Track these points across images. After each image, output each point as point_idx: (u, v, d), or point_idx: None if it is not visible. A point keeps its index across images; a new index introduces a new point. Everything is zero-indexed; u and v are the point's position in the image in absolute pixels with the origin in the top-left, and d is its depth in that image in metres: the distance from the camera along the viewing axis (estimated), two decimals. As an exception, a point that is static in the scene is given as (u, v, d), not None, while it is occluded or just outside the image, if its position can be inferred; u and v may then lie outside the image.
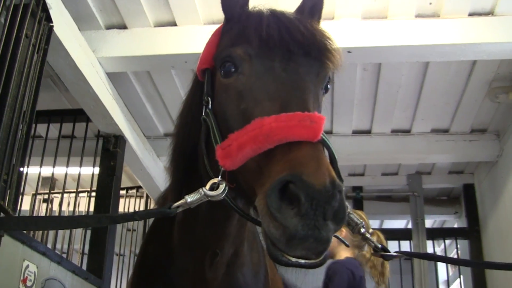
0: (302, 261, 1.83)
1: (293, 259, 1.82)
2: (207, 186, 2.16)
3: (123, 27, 6.80)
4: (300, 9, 2.72)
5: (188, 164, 2.75)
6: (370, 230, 5.17)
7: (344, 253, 5.23)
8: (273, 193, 1.76)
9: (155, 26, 6.77)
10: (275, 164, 1.88)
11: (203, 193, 2.16)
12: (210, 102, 2.42)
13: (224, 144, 2.14)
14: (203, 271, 2.86)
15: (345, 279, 4.99)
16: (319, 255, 1.84)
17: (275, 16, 2.40)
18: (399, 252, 2.61)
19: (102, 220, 2.53)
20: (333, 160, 2.09)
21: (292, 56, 2.29)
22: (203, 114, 2.45)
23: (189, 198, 2.18)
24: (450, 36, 6.30)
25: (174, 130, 2.96)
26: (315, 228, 1.73)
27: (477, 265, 6.96)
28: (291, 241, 1.74)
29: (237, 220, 2.78)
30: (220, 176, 2.16)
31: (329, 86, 2.53)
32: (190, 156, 2.72)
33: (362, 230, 2.37)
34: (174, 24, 6.72)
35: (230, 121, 2.24)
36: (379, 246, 2.53)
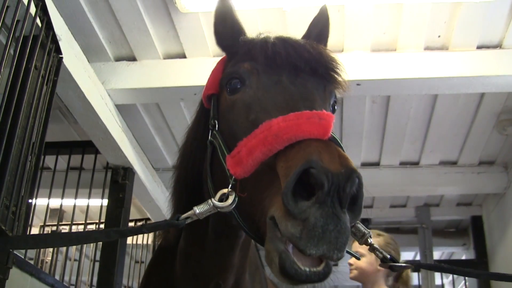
0: (313, 269, 1.72)
1: (303, 268, 1.70)
2: (216, 197, 2.09)
3: (133, 59, 6.83)
4: (306, 36, 2.75)
5: (191, 195, 2.75)
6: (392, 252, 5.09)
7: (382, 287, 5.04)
8: (288, 191, 1.68)
9: (164, 58, 6.80)
10: (289, 160, 1.80)
11: (211, 204, 2.09)
12: (216, 124, 2.42)
13: (234, 152, 2.07)
14: None
15: None
16: (340, 251, 1.69)
17: (281, 38, 2.43)
18: (408, 262, 2.58)
19: (111, 234, 2.47)
20: None
21: (299, 72, 2.28)
22: (210, 137, 2.45)
23: (198, 209, 2.12)
24: (459, 68, 6.31)
25: (177, 161, 2.96)
26: (334, 216, 1.66)
27: (487, 277, 6.88)
28: (312, 232, 1.65)
29: (240, 250, 2.77)
30: (230, 187, 2.08)
31: (336, 107, 2.50)
32: (194, 186, 2.73)
33: (370, 240, 2.27)
34: (183, 56, 6.74)
35: (238, 134, 2.17)
36: (388, 256, 2.45)
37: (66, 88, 5.90)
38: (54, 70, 4.95)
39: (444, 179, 9.43)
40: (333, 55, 2.42)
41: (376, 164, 9.45)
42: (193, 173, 2.73)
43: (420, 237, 11.22)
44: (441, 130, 8.42)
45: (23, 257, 6.53)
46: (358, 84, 6.29)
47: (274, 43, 2.37)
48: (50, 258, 9.77)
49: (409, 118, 8.17)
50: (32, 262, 9.05)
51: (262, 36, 2.52)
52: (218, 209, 2.09)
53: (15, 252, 4.48)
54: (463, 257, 12.62)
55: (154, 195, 8.74)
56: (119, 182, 7.71)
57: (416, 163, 9.46)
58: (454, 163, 9.42)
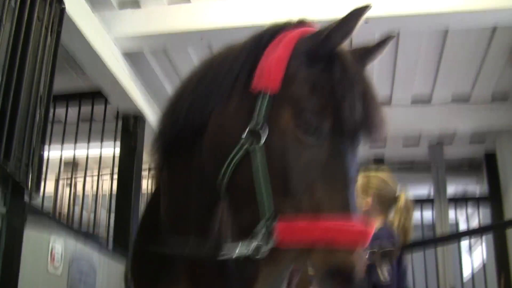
0: None
1: None
2: (252, 246, 2.10)
3: (137, 5, 6.75)
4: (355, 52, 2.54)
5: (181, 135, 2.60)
6: (397, 194, 5.10)
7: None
8: (329, 274, 1.97)
9: (169, 3, 6.72)
10: (328, 255, 2.00)
11: (249, 253, 2.11)
12: (263, 138, 2.21)
13: (291, 226, 2.06)
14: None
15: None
16: None
17: (366, 94, 2.28)
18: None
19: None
20: None
21: (358, 140, 2.27)
22: (246, 136, 2.24)
23: (237, 251, 2.15)
24: (469, 3, 6.20)
25: (181, 91, 2.71)
26: None
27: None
28: None
29: None
30: (267, 245, 2.09)
31: None
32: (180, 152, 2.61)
33: None
34: (187, 0, 6.67)
35: (291, 179, 2.12)
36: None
37: (71, 39, 5.86)
38: (57, 20, 4.90)
39: (456, 116, 9.39)
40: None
41: (388, 102, 9.38)
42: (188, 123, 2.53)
43: (434, 175, 11.22)
44: (452, 66, 8.32)
45: (39, 208, 6.58)
46: (366, 22, 6.19)
47: (360, 108, 2.19)
48: (66, 210, 9.84)
49: (420, 55, 8.07)
50: (49, 214, 9.14)
51: (348, 72, 2.26)
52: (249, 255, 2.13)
53: (31, 203, 4.51)
54: (477, 194, 12.63)
55: (166, 142, 8.72)
56: (130, 131, 7.72)
57: (427, 101, 9.39)
58: (466, 100, 9.33)
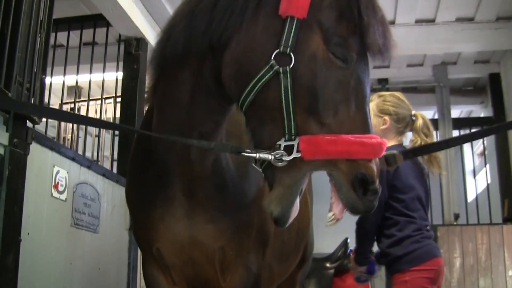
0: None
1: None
2: (275, 153, 2.27)
3: None
4: None
5: (185, 47, 2.65)
6: (413, 112, 5.08)
7: (389, 143, 5.06)
8: (358, 180, 2.23)
9: None
10: (354, 165, 2.25)
11: (271, 158, 2.29)
12: (293, 59, 2.31)
13: (312, 141, 2.25)
14: (189, 150, 2.92)
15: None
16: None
17: (381, 18, 2.47)
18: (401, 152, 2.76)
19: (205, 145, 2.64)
20: None
21: (372, 58, 2.48)
22: (274, 59, 2.32)
23: (258, 155, 2.33)
24: None
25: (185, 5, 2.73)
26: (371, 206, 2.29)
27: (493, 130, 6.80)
28: (363, 211, 2.29)
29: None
30: (290, 156, 2.27)
31: None
32: (195, 42, 2.60)
33: None
34: None
35: (318, 102, 2.30)
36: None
37: (71, -39, 5.80)
38: None
39: (461, 36, 9.33)
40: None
41: (392, 23, 9.30)
42: (200, 33, 2.56)
43: (438, 96, 11.23)
44: (456, -15, 8.25)
45: (43, 133, 6.61)
46: None
47: (379, 29, 2.41)
48: (70, 135, 9.88)
49: (423, -26, 8.00)
50: (54, 140, 9.19)
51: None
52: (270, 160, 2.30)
53: (34, 128, 4.52)
54: (481, 115, 12.63)
55: (169, 61, 8.70)
56: (133, 54, 7.70)
57: (432, 21, 9.32)
58: (471, 20, 9.26)
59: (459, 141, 4.38)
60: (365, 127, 2.31)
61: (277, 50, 2.32)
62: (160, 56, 2.82)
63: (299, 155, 2.23)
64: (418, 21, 9.33)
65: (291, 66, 2.30)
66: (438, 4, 8.80)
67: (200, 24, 2.56)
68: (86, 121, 4.96)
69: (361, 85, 2.37)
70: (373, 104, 4.94)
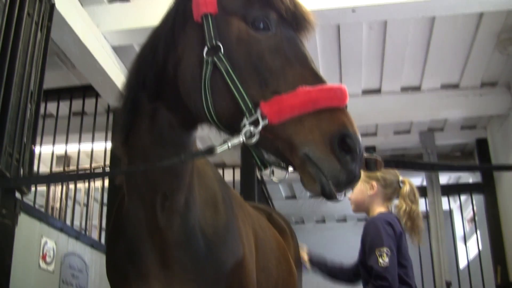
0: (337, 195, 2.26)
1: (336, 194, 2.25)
2: (243, 132, 2.34)
3: (126, -1, 6.78)
4: None
5: (136, 96, 2.87)
6: (400, 178, 5.10)
7: (378, 209, 5.09)
8: (338, 144, 2.18)
9: (157, -3, 6.75)
10: (324, 122, 2.24)
11: (242, 139, 2.34)
12: (222, 48, 2.49)
13: (273, 103, 2.31)
14: (156, 217, 2.91)
15: (383, 232, 4.82)
16: (348, 190, 2.32)
17: None
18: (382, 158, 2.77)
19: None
20: None
21: (299, 30, 2.62)
22: (205, 55, 2.50)
23: (230, 143, 2.37)
24: (455, -12, 6.24)
25: (133, 62, 3.02)
26: (359, 171, 2.26)
27: (481, 169, 6.80)
28: (351, 180, 2.23)
29: (188, 164, 2.91)
30: (258, 127, 2.32)
31: None
32: (144, 85, 2.84)
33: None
34: (176, -6, 6.68)
35: (263, 73, 2.42)
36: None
37: (61, 33, 5.88)
38: (47, 16, 4.92)
39: (446, 103, 9.42)
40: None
41: (377, 91, 9.45)
42: (148, 73, 2.83)
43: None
44: (441, 53, 8.38)
45: (31, 204, 6.59)
46: (353, 11, 6.24)
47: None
48: (59, 204, 9.86)
49: (407, 43, 8.13)
50: (42, 209, 9.15)
51: None
52: (245, 143, 2.38)
53: (23, 199, 4.52)
54: (470, 181, 12.68)
55: (157, 135, 8.73)
56: (121, 125, 7.72)
57: (417, 88, 9.44)
58: (456, 86, 9.39)
59: (444, 167, 4.40)
60: (317, 78, 2.38)
61: (205, 48, 2.50)
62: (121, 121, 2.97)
63: (267, 122, 2.29)
64: (404, 89, 9.45)
65: (222, 52, 2.47)
66: (423, 71, 8.92)
67: (140, 71, 2.88)
68: (74, 177, 4.94)
69: (295, 46, 2.51)
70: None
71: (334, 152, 2.18)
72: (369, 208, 5.06)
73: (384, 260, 4.51)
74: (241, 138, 2.33)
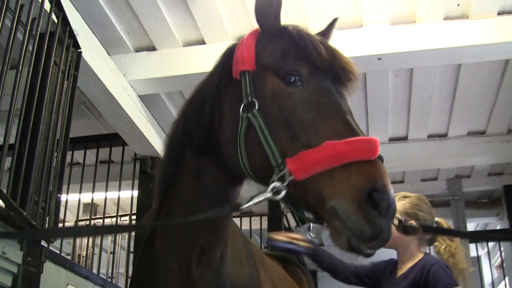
0: (369, 250, 2.20)
1: (365, 249, 2.19)
2: (270, 188, 2.32)
3: (152, 48, 6.85)
4: (322, 33, 2.95)
5: (182, 154, 2.93)
6: (436, 219, 4.99)
7: (416, 250, 4.93)
8: (365, 199, 2.10)
9: (184, 46, 6.81)
10: (353, 174, 2.18)
11: (269, 195, 2.32)
12: (257, 104, 2.51)
13: (297, 159, 2.29)
14: (190, 269, 2.91)
15: (450, 273, 4.70)
16: (380, 247, 2.22)
17: (322, 41, 2.63)
18: (418, 224, 2.72)
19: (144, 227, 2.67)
20: None
21: (338, 81, 2.58)
22: (242, 112, 2.54)
23: (256, 199, 2.36)
24: (480, 36, 6.23)
25: (177, 119, 3.10)
26: (389, 226, 2.15)
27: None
28: (376, 236, 2.12)
29: (226, 219, 2.93)
30: (284, 183, 2.30)
31: None
32: (190, 142, 2.89)
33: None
34: (202, 42, 6.75)
35: (294, 127, 2.41)
36: (403, 219, 2.75)
37: (88, 83, 5.94)
38: (74, 65, 4.99)
39: (473, 150, 9.36)
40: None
41: (404, 138, 9.41)
42: (194, 131, 2.87)
43: (453, 209, 11.15)
44: (467, 100, 8.35)
45: (58, 251, 6.60)
46: (379, 59, 6.25)
47: (322, 48, 2.57)
48: (85, 252, 9.87)
49: (434, 90, 8.11)
50: (68, 257, 9.16)
51: (301, 31, 2.67)
52: (271, 199, 2.35)
53: (49, 247, 4.53)
54: (498, 227, 12.53)
55: (183, 183, 8.74)
56: (148, 172, 7.76)
57: (444, 135, 9.39)
58: (482, 133, 9.33)
59: (483, 237, 4.31)
60: (350, 130, 2.33)
61: (242, 104, 2.55)
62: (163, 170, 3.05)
63: (292, 178, 2.27)
64: (430, 136, 9.41)
65: (256, 108, 2.49)
66: (450, 119, 8.88)
67: (190, 120, 2.93)
68: (100, 230, 4.94)
69: (329, 98, 2.47)
70: (399, 205, 4.84)
71: (360, 206, 2.11)
72: (405, 249, 4.91)
73: None
74: (267, 195, 2.32)
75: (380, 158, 2.30)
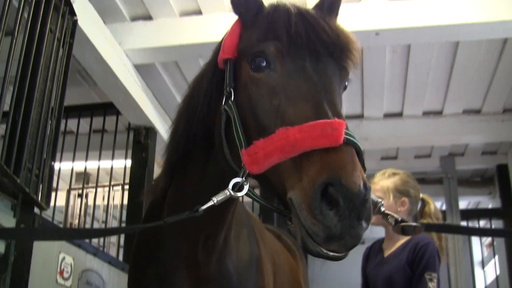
0: (331, 253, 1.95)
1: (325, 251, 1.93)
2: (230, 185, 2.24)
3: (149, 18, 6.79)
4: (319, 6, 2.70)
5: (188, 147, 2.84)
6: (421, 195, 4.96)
7: None
8: (316, 195, 1.87)
9: (180, 16, 6.76)
10: (311, 165, 1.96)
11: (228, 193, 2.24)
12: (233, 94, 2.43)
13: (251, 151, 2.19)
14: (196, 253, 2.93)
15: (437, 259, 4.70)
16: (349, 250, 1.97)
17: (301, 14, 2.42)
18: (420, 223, 2.62)
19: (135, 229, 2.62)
20: (359, 153, 2.09)
21: (319, 56, 2.33)
22: (223, 104, 2.46)
23: (216, 199, 2.26)
24: (480, 14, 6.19)
25: (180, 112, 2.97)
26: (351, 227, 1.87)
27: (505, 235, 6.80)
28: (330, 238, 1.88)
29: (233, 204, 2.88)
30: (243, 177, 2.24)
31: (347, 83, 2.55)
32: (195, 140, 2.79)
33: (382, 209, 2.45)
34: (199, 12, 6.70)
35: (259, 116, 2.27)
36: (399, 219, 2.55)
37: (83, 51, 5.89)
38: (69, 32, 4.94)
39: (468, 128, 9.35)
40: (349, 34, 2.46)
41: (399, 115, 9.39)
42: (197, 128, 2.77)
43: (446, 187, 11.17)
44: (463, 79, 8.32)
45: (50, 220, 6.59)
46: (377, 34, 6.22)
47: (296, 22, 2.35)
48: (77, 221, 9.87)
49: (430, 67, 8.07)
50: (60, 226, 9.16)
51: (280, 7, 2.49)
52: (233, 197, 2.27)
53: (41, 215, 4.52)
54: (489, 206, 12.57)
55: (177, 154, 8.73)
56: (142, 142, 7.75)
57: (439, 113, 9.38)
58: (478, 112, 9.31)
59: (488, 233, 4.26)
60: (315, 113, 2.11)
61: (225, 95, 2.47)
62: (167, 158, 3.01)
63: (247, 172, 2.20)
64: (426, 113, 9.38)
65: (232, 99, 2.41)
66: (445, 96, 8.86)
67: (188, 117, 2.82)
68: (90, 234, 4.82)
69: (298, 78, 2.26)
70: (390, 182, 4.83)
71: (311, 204, 1.88)
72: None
73: (433, 286, 4.44)
74: (227, 192, 2.25)
75: (351, 143, 2.03)
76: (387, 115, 9.42)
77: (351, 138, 2.03)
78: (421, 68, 8.10)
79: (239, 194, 2.24)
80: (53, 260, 4.91)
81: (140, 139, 7.76)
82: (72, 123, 8.68)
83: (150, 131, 7.80)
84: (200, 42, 6.51)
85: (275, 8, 2.49)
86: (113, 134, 8.16)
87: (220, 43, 2.71)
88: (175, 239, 2.99)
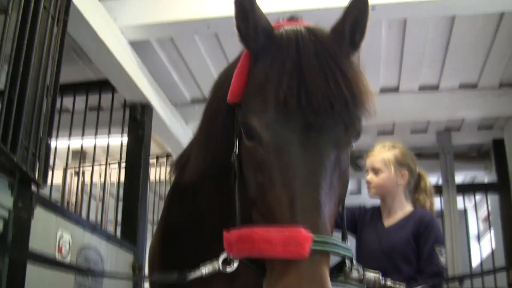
0: None
1: None
2: (220, 259, 2.19)
3: (143, -6, 6.76)
4: (340, 25, 2.42)
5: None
6: (417, 171, 4.98)
7: (406, 203, 4.90)
8: None
9: (175, -9, 6.72)
10: (275, 265, 1.86)
11: (217, 267, 2.20)
12: (237, 147, 2.28)
13: (227, 236, 2.07)
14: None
15: (442, 233, 4.73)
16: None
17: (300, 63, 2.10)
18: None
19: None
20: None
21: (311, 125, 2.03)
22: (234, 151, 2.31)
23: (205, 270, 2.26)
24: (476, -12, 6.17)
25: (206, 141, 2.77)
26: None
27: None
28: None
29: None
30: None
31: (359, 134, 2.26)
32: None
33: (382, 282, 2.36)
34: (194, -11, 6.66)
35: (249, 185, 2.16)
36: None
37: (77, 28, 5.86)
38: (64, 10, 4.92)
39: (464, 103, 9.34)
40: (359, 85, 2.28)
41: (395, 89, 9.36)
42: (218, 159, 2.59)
43: (442, 162, 11.18)
44: (460, 53, 8.28)
45: (47, 197, 6.59)
46: (372, 9, 6.15)
47: (288, 83, 2.03)
48: (75, 199, 9.88)
49: (427, 42, 8.03)
50: (57, 203, 9.16)
51: (282, 45, 2.20)
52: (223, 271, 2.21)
53: (39, 192, 4.53)
54: (485, 180, 12.61)
55: (174, 130, 8.75)
56: (138, 119, 7.72)
57: (435, 87, 9.35)
58: (474, 86, 9.29)
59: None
60: (289, 215, 1.90)
61: (235, 141, 2.32)
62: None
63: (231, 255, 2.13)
64: (422, 88, 9.36)
65: (236, 153, 2.27)
66: (442, 71, 8.83)
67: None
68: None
69: (283, 157, 2.00)
70: (390, 154, 4.84)
71: None
72: (394, 198, 4.90)
73: (444, 259, 4.48)
74: (215, 265, 2.21)
75: (320, 253, 1.84)
76: (383, 90, 9.39)
77: (322, 248, 1.85)
78: (417, 43, 8.06)
79: (228, 269, 2.16)
80: (51, 237, 4.91)
81: (136, 116, 7.74)
82: (67, 101, 8.65)
83: (146, 108, 7.78)
84: (195, 18, 6.48)
85: (278, 46, 2.21)
86: (109, 111, 8.13)
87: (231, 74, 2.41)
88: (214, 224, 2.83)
